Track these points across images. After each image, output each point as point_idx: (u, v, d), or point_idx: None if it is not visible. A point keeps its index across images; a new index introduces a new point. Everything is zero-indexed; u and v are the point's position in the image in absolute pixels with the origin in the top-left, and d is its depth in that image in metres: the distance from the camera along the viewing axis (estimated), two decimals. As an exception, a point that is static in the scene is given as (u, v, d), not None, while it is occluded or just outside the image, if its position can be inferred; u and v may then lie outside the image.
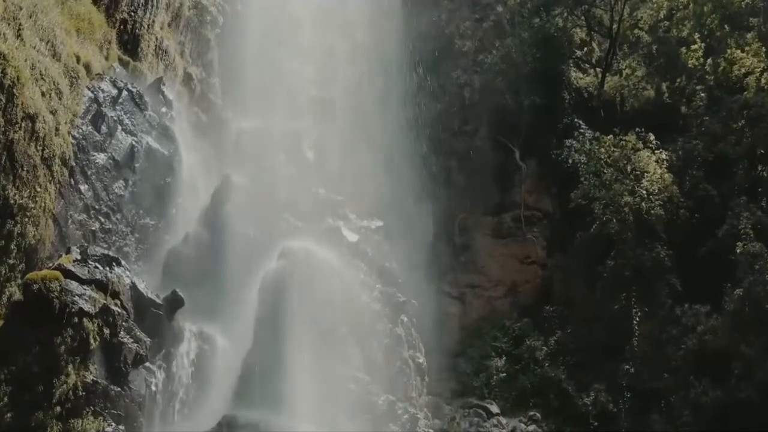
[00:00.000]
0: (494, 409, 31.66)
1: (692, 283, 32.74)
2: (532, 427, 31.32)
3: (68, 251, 20.82)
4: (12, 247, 20.13)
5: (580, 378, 33.37)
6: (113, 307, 19.89)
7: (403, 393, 24.75)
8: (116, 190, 24.19)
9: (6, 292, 19.72)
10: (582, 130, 38.67)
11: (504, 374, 33.91)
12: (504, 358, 34.62)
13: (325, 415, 21.27)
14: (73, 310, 19.05)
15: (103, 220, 23.45)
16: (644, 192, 34.81)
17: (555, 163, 38.54)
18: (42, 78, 22.13)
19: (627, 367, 32.53)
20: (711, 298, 31.46)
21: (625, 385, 32.32)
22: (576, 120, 40.20)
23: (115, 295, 20.22)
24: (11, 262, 20.08)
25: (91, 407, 18.56)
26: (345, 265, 24.37)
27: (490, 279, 38.52)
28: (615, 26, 42.17)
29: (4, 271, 19.84)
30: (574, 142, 37.72)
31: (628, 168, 35.77)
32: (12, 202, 20.12)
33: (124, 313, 20.17)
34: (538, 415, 31.78)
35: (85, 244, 21.45)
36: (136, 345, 20.09)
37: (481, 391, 33.23)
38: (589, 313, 35.09)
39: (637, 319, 33.52)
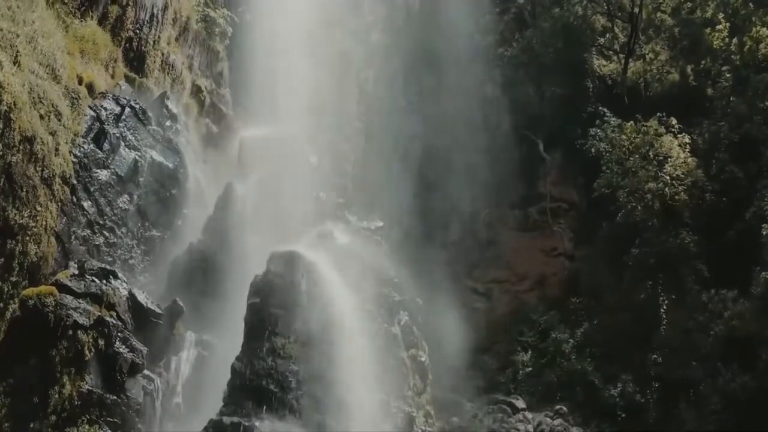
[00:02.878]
0: (520, 404, 31.45)
1: (719, 268, 32.00)
2: (558, 421, 30.96)
3: (67, 266, 21.57)
4: (14, 265, 20.91)
5: (607, 369, 32.91)
6: (108, 319, 20.61)
7: (398, 392, 24.81)
8: (121, 205, 24.83)
9: (9, 308, 20.54)
10: (606, 118, 38.11)
11: (530, 369, 33.75)
12: (530, 352, 34.42)
13: (314, 416, 21.59)
14: (68, 323, 19.85)
15: (107, 234, 24.12)
16: (667, 177, 34.16)
17: (580, 153, 38.01)
18: (40, 101, 22.81)
19: (654, 356, 31.99)
20: (738, 283, 30.59)
21: (653, 375, 31.82)
22: (600, 108, 39.69)
23: (111, 306, 20.94)
24: (14, 279, 20.86)
25: (87, 416, 19.39)
26: (335, 267, 24.55)
27: (516, 273, 38.19)
28: (637, 10, 41.45)
29: (6, 289, 20.63)
30: (598, 130, 37.23)
31: (651, 154, 35.14)
32: (12, 222, 20.83)
33: (120, 324, 20.84)
34: (564, 408, 31.42)
35: (84, 259, 22.15)
36: (131, 354, 20.71)
37: (507, 387, 33.17)
38: (616, 303, 34.56)
39: (665, 307, 32.90)
